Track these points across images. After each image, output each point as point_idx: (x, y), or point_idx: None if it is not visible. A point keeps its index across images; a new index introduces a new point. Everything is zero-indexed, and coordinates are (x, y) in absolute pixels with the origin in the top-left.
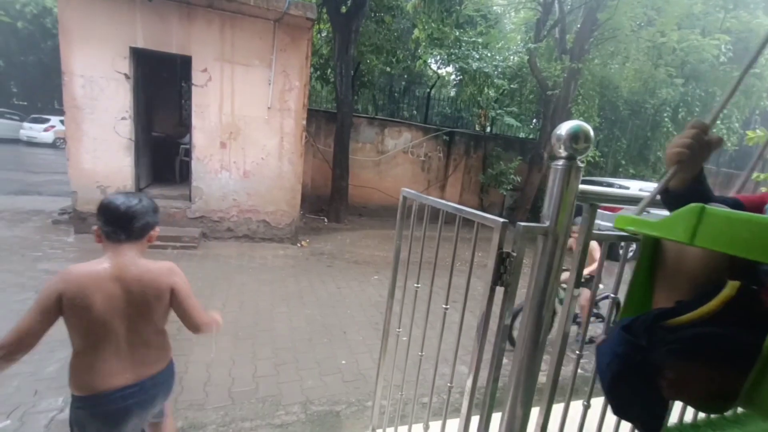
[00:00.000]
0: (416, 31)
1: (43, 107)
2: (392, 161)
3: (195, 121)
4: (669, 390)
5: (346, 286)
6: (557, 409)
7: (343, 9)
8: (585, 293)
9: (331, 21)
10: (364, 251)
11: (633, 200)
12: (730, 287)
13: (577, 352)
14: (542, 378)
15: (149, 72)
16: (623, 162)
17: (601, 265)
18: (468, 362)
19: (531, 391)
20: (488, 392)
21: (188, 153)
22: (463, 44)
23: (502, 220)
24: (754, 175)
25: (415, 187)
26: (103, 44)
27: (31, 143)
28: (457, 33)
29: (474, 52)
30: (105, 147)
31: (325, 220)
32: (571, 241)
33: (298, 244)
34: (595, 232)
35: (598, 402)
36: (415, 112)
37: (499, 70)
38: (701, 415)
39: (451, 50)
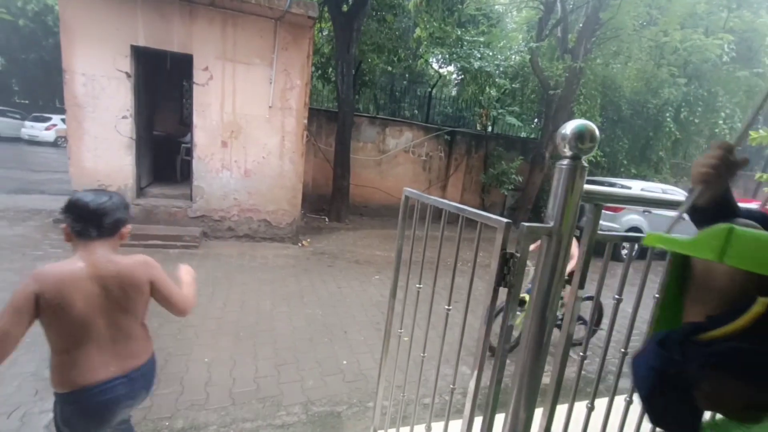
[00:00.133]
0: (418, 30)
1: (45, 106)
2: (393, 161)
3: (196, 119)
4: (704, 402)
5: (347, 285)
6: (560, 410)
7: (345, 8)
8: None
9: (332, 19)
10: (365, 251)
11: (638, 200)
12: (761, 304)
13: (581, 353)
14: (545, 379)
15: (150, 70)
16: (625, 162)
17: (580, 262)
18: (470, 363)
19: (534, 393)
20: (491, 393)
21: (189, 152)
22: (465, 43)
23: (505, 220)
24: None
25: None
26: (104, 42)
27: (33, 142)
28: (459, 32)
29: (476, 52)
30: (106, 146)
31: (326, 219)
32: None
33: (299, 244)
34: (600, 232)
35: (601, 403)
36: (416, 111)
37: (501, 69)
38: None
39: (453, 49)
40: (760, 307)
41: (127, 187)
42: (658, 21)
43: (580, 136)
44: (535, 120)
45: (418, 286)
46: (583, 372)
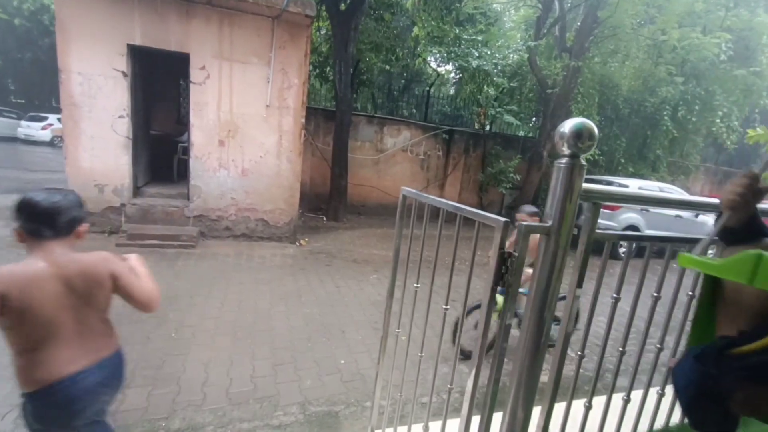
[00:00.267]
0: (416, 29)
1: (41, 105)
2: (391, 160)
3: (193, 119)
4: (740, 409)
5: (344, 285)
6: (558, 409)
7: (343, 6)
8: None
9: (330, 18)
10: (363, 250)
11: (636, 198)
12: None
13: (579, 352)
14: (543, 377)
15: (147, 69)
16: (622, 160)
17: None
18: (467, 362)
19: (532, 392)
20: (489, 392)
21: (186, 151)
22: (463, 42)
23: (504, 219)
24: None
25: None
26: (100, 41)
27: (29, 141)
28: (457, 31)
29: (474, 50)
30: (102, 145)
31: (324, 218)
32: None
33: (297, 243)
34: (598, 231)
35: (599, 402)
36: (414, 110)
37: (499, 68)
38: None
39: (451, 48)
40: None
41: (124, 186)
42: (656, 19)
43: (579, 134)
44: (533, 119)
45: (415, 285)
46: (581, 370)
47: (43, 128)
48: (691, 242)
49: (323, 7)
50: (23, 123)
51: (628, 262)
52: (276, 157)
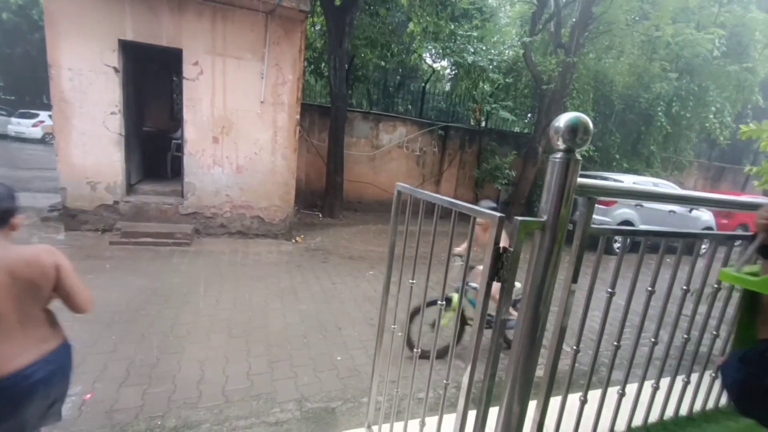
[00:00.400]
0: (411, 25)
1: (32, 102)
2: (387, 156)
3: (186, 115)
4: None
5: (340, 281)
6: (554, 403)
7: (338, 1)
8: (496, 286)
9: (324, 13)
10: (359, 246)
11: (630, 193)
12: None
13: (574, 347)
14: (539, 372)
15: (140, 65)
16: (617, 156)
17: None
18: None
19: (528, 387)
20: (485, 387)
21: (180, 148)
22: (458, 38)
23: (499, 214)
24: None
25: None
26: (90, 36)
27: (20, 139)
28: (452, 26)
29: (469, 46)
30: (94, 142)
31: (320, 215)
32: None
33: (293, 240)
34: (593, 226)
35: (595, 395)
36: (410, 106)
37: (495, 64)
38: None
39: (446, 44)
40: None
41: (117, 183)
42: (651, 15)
43: (574, 128)
44: (529, 115)
45: (411, 281)
46: (576, 365)
47: (34, 125)
48: (686, 237)
49: (318, 2)
50: (13, 120)
51: (623, 257)
52: (271, 154)
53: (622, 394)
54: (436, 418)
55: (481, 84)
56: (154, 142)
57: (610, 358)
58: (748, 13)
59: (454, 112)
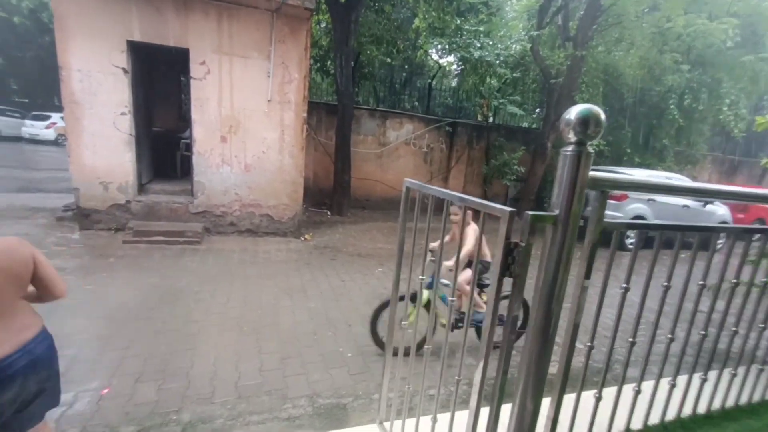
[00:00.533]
0: (417, 21)
1: (44, 104)
2: (394, 153)
3: (194, 114)
4: None
5: (350, 279)
6: (568, 400)
7: None
8: (465, 274)
9: (330, 11)
10: (367, 244)
11: (644, 186)
12: None
13: (588, 344)
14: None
15: (148, 66)
16: (628, 150)
17: (476, 248)
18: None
19: (541, 384)
20: (498, 384)
21: (189, 147)
22: (465, 33)
23: (509, 209)
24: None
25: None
26: (99, 38)
27: (34, 140)
28: (458, 21)
29: (476, 41)
30: (105, 143)
31: (328, 213)
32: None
33: (302, 238)
34: (606, 221)
35: (610, 393)
36: (416, 103)
37: (502, 58)
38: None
39: (453, 39)
40: None
41: (128, 183)
42: (661, 6)
43: (585, 120)
44: (537, 110)
45: (420, 277)
46: (590, 362)
47: (47, 127)
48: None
49: (323, 0)
50: (27, 122)
51: (637, 252)
52: (278, 152)
53: (637, 392)
54: (447, 415)
55: (488, 79)
56: (163, 142)
57: (625, 355)
58: (763, 2)
59: (461, 108)
